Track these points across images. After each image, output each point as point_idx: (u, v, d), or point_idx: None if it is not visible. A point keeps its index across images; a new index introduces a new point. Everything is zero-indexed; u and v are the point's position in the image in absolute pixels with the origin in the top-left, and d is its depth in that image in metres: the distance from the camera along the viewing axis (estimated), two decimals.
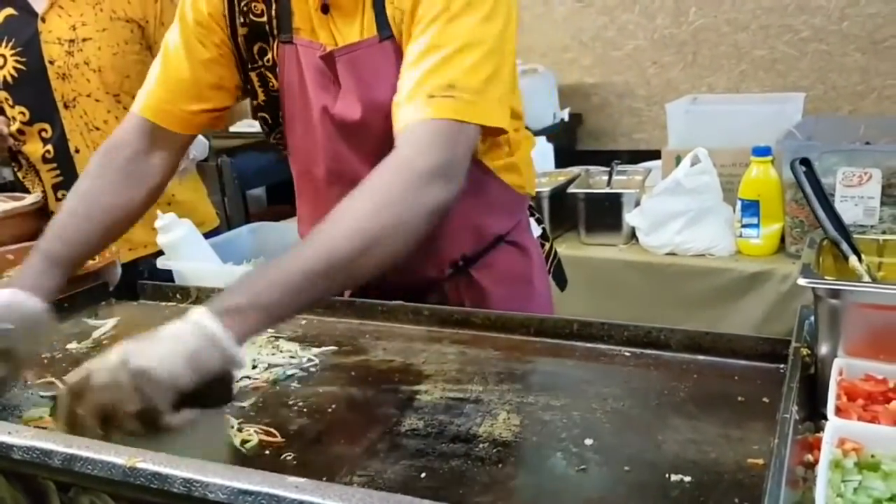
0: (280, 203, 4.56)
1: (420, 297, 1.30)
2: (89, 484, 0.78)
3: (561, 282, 1.57)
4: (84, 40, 1.97)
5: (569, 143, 3.43)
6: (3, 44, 1.97)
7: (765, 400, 0.95)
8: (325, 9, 1.19)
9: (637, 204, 2.31)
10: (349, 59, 1.18)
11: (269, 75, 1.26)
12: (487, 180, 1.30)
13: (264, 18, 1.23)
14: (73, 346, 1.25)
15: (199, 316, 0.85)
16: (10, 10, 1.98)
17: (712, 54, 3.27)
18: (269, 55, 1.24)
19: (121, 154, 1.24)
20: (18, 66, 1.96)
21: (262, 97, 1.29)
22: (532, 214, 1.49)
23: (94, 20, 1.99)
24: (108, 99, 2.03)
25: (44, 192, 2.04)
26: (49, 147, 2.00)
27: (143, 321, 1.33)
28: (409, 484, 0.83)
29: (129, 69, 2.02)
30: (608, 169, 2.53)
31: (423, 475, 0.84)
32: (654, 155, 2.57)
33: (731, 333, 1.08)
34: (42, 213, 2.03)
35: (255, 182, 4.02)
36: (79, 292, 1.40)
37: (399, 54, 1.15)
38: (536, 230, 1.49)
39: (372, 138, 1.19)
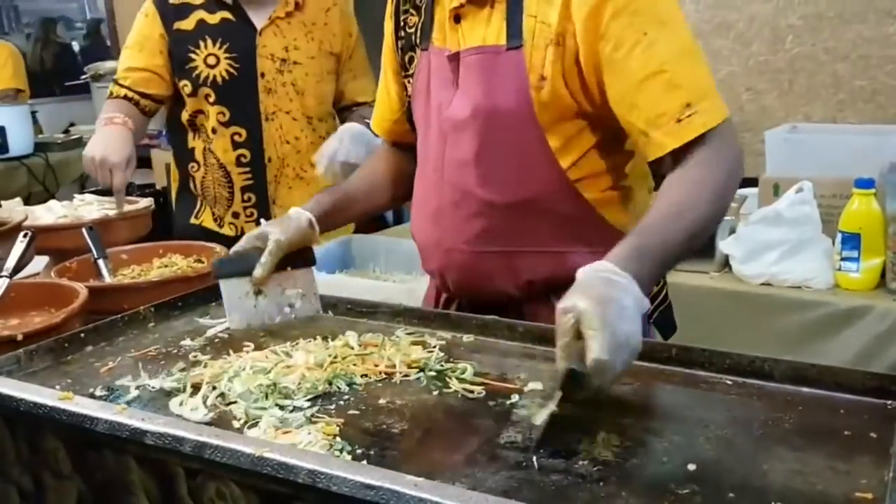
0: None
1: (498, 314, 1.30)
2: (217, 471, 0.82)
3: (667, 329, 1.45)
4: (294, 63, 2.09)
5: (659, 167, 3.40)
6: (217, 45, 2.07)
7: (872, 435, 0.93)
8: (456, 19, 1.29)
9: (732, 231, 2.27)
10: (472, 60, 1.27)
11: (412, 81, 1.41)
12: (578, 211, 1.29)
13: (414, 30, 1.37)
14: (186, 342, 1.30)
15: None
16: (226, 14, 2.09)
17: (809, 83, 3.18)
18: (416, 63, 1.38)
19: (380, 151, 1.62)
20: (231, 70, 2.07)
21: (406, 102, 1.44)
22: None
23: (306, 47, 2.11)
24: (302, 119, 2.14)
25: (230, 192, 2.14)
26: (244, 151, 2.11)
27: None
28: (511, 494, 0.83)
29: (326, 97, 2.15)
30: None
31: (523, 487, 0.85)
32: (747, 182, 2.52)
33: (837, 367, 1.06)
34: (164, 214, 2.17)
35: None
36: (192, 293, 1.47)
37: (523, 65, 1.22)
38: None
39: (469, 139, 1.28)
